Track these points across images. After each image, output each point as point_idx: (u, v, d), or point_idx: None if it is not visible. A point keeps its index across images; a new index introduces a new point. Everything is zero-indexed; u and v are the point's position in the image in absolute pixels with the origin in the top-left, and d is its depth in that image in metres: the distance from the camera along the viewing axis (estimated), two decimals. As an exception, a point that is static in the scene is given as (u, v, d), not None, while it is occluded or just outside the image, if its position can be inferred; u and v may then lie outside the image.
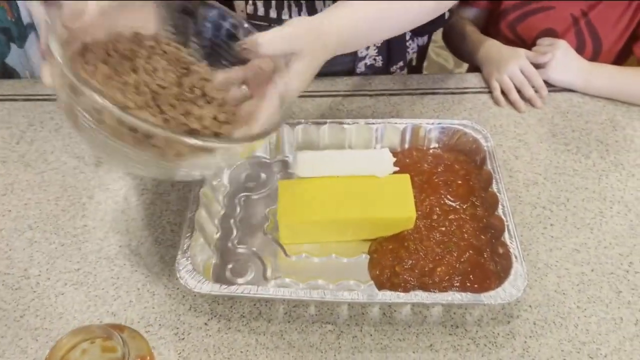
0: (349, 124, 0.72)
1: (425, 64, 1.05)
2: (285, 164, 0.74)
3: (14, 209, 0.70)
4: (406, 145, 0.74)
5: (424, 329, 0.57)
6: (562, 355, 0.55)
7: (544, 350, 0.55)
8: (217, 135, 0.49)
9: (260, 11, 0.83)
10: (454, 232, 0.63)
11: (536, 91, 0.84)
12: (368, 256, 0.63)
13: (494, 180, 0.66)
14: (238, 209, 0.68)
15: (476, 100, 0.85)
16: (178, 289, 0.61)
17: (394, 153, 0.70)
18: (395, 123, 0.72)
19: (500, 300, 0.54)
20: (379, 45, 0.88)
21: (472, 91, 0.86)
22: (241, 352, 0.56)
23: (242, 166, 0.74)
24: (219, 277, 0.61)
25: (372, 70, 0.92)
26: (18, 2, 0.81)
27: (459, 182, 0.68)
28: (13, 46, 0.87)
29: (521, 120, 0.81)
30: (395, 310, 0.59)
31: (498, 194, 0.64)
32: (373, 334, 0.57)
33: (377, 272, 0.61)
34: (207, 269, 0.61)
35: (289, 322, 0.58)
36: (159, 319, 0.59)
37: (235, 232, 0.66)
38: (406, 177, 0.65)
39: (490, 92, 0.86)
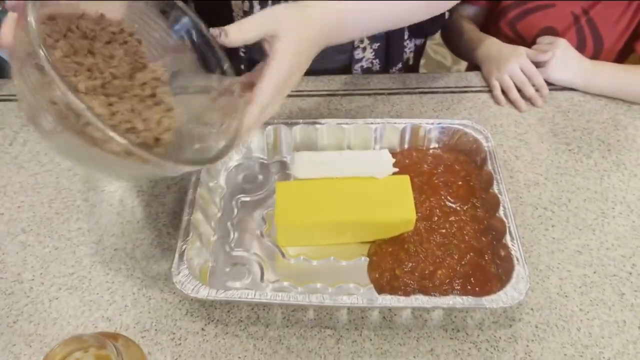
0: (347, 124, 0.71)
1: (422, 61, 1.04)
2: (282, 165, 0.73)
3: (6, 212, 0.69)
4: (406, 146, 0.73)
5: (424, 333, 0.56)
6: (565, 360, 0.54)
7: (547, 355, 0.55)
8: (157, 140, 0.48)
9: (257, 9, 0.82)
10: (455, 234, 0.62)
11: (537, 90, 0.83)
12: (367, 259, 0.62)
13: (494, 181, 0.65)
14: (235, 211, 0.67)
15: (476, 99, 0.84)
16: (174, 293, 0.60)
17: (393, 153, 0.69)
18: (395, 123, 0.71)
19: (502, 304, 0.53)
20: (376, 48, 0.87)
21: (472, 90, 0.85)
22: (239, 357, 0.55)
23: (239, 167, 0.73)
24: (216, 281, 0.60)
25: (369, 73, 0.91)
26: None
27: (459, 183, 0.67)
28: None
29: (522, 119, 0.80)
30: (395, 314, 0.58)
31: (499, 195, 0.63)
32: (373, 338, 0.56)
33: (377, 275, 0.60)
34: (203, 273, 0.60)
35: (287, 326, 0.57)
36: (155, 324, 0.58)
37: (232, 234, 0.65)
38: (406, 178, 0.64)
39: (490, 91, 0.85)
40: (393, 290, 0.58)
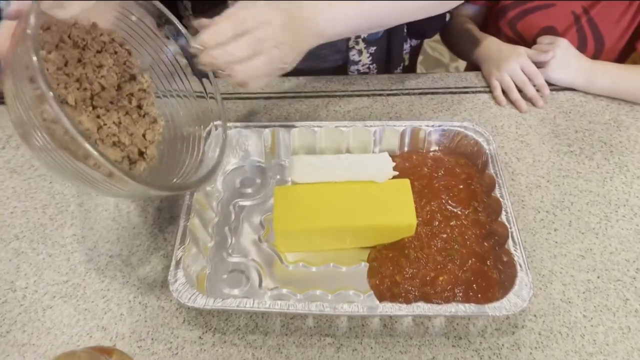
0: (346, 126, 0.69)
1: (420, 58, 1.03)
2: (281, 168, 0.72)
3: (-1, 218, 0.67)
4: (405, 148, 0.71)
5: (426, 340, 0.55)
6: (569, 367, 0.54)
7: (550, 362, 0.54)
8: (141, 153, 0.48)
9: None
10: (456, 239, 0.61)
11: (537, 90, 0.82)
12: (367, 264, 0.61)
13: (496, 185, 0.64)
14: (233, 216, 0.66)
15: (476, 99, 0.83)
16: (171, 300, 0.59)
17: (393, 156, 0.68)
18: (394, 125, 0.70)
19: (505, 311, 0.52)
20: (372, 52, 0.86)
21: (471, 91, 0.84)
22: (237, 367, 0.54)
23: (237, 171, 0.71)
24: (214, 289, 0.59)
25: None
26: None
27: (460, 186, 0.66)
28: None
29: (522, 120, 0.79)
30: (396, 322, 0.57)
31: (501, 199, 0.62)
32: (374, 346, 0.55)
33: (377, 282, 0.59)
34: (201, 280, 0.59)
35: (286, 335, 0.56)
36: (152, 333, 0.57)
37: (229, 240, 0.64)
38: (406, 182, 0.63)
39: (490, 92, 0.83)
40: (394, 297, 0.57)
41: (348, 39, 0.84)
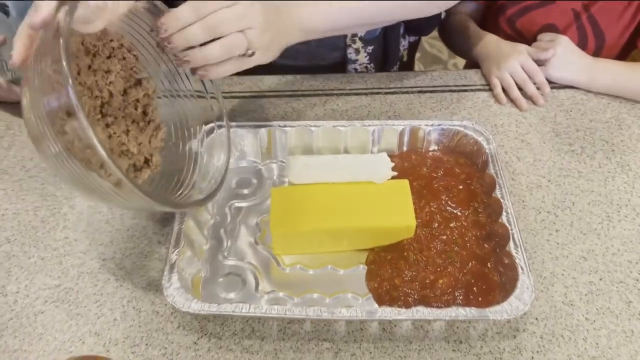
0: (344, 126, 0.68)
1: (418, 54, 1.02)
2: (277, 169, 0.70)
3: (-10, 220, 0.66)
4: (404, 148, 0.70)
5: (425, 344, 0.54)
6: (572, 372, 0.53)
7: (553, 367, 0.53)
8: (147, 161, 0.48)
9: None
10: (456, 241, 0.60)
11: (538, 88, 0.81)
12: (365, 267, 0.60)
13: (497, 185, 0.62)
14: (228, 218, 0.65)
15: (475, 98, 0.81)
16: (166, 305, 0.58)
17: (392, 156, 0.67)
18: (393, 125, 0.68)
19: (507, 315, 0.51)
20: (370, 52, 0.84)
21: (471, 89, 0.83)
22: (233, 373, 0.53)
23: (233, 172, 0.70)
24: (209, 292, 0.58)
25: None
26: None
27: (460, 187, 0.65)
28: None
29: (523, 119, 0.78)
30: (395, 325, 0.56)
31: (501, 200, 0.61)
32: (372, 351, 0.54)
33: (376, 285, 0.58)
34: (196, 284, 0.58)
35: (283, 339, 0.55)
36: (146, 338, 0.55)
37: (225, 242, 0.62)
38: (405, 183, 0.62)
39: (490, 90, 0.82)
40: (393, 301, 0.56)
41: (345, 36, 0.82)
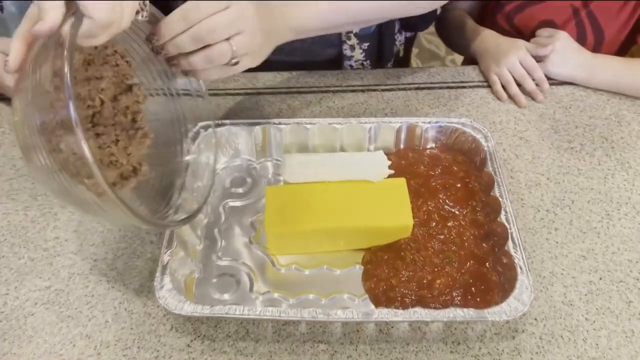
0: (340, 123, 0.67)
1: (416, 51, 1.01)
2: (272, 167, 0.69)
3: (-21, 221, 0.65)
4: (401, 145, 0.69)
5: (423, 346, 0.53)
6: (571, 373, 0.52)
7: (552, 368, 0.52)
8: (134, 170, 0.47)
9: None
10: (454, 240, 0.59)
11: (536, 84, 0.79)
12: (362, 267, 0.59)
13: (495, 184, 0.61)
14: (222, 218, 0.64)
15: (474, 94, 0.80)
16: (158, 306, 0.57)
17: (388, 154, 0.66)
18: (390, 122, 0.67)
19: (506, 316, 0.51)
20: (365, 48, 0.83)
21: (469, 85, 0.82)
22: (227, 376, 0.52)
23: (227, 170, 0.69)
24: (203, 293, 0.57)
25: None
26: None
27: (458, 185, 0.64)
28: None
29: (521, 116, 0.77)
30: (392, 327, 0.55)
31: (500, 198, 0.60)
32: (369, 353, 0.53)
33: (372, 285, 0.57)
34: (189, 285, 0.57)
35: (278, 341, 0.54)
36: (138, 340, 0.54)
37: (219, 242, 0.61)
38: (402, 182, 0.61)
39: (488, 86, 0.81)
40: (389, 301, 0.55)
41: (340, 33, 0.81)
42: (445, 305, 0.54)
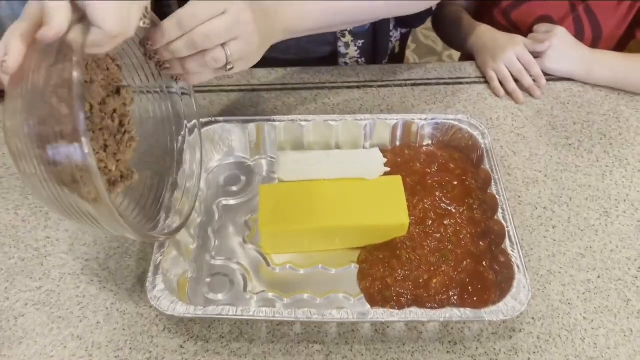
0: (335, 120, 0.66)
1: (413, 46, 1.00)
2: (267, 165, 0.68)
3: (-31, 220, 0.64)
4: (397, 143, 0.68)
5: (419, 346, 0.53)
6: (569, 373, 0.51)
7: (550, 368, 0.51)
8: (123, 177, 0.47)
9: None
10: (450, 238, 0.58)
11: (534, 80, 0.79)
12: (357, 266, 0.58)
13: (492, 181, 0.61)
14: (216, 216, 0.63)
15: (471, 90, 0.79)
16: (151, 307, 0.56)
17: (384, 151, 0.66)
18: (386, 119, 0.66)
19: (503, 316, 0.50)
20: (360, 45, 0.83)
21: (466, 81, 0.81)
22: (220, 377, 0.51)
23: (220, 168, 0.68)
24: (196, 294, 0.56)
25: None
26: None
27: (455, 182, 0.63)
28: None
29: (519, 112, 0.76)
30: (388, 327, 0.54)
31: (497, 196, 0.59)
32: (365, 353, 0.52)
33: (368, 284, 0.56)
34: (182, 285, 0.56)
35: (272, 342, 0.53)
36: (130, 341, 0.53)
37: (213, 242, 0.60)
38: (398, 179, 0.60)
39: (485, 83, 0.80)
40: (385, 301, 0.54)
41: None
42: (441, 304, 0.54)
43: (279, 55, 0.82)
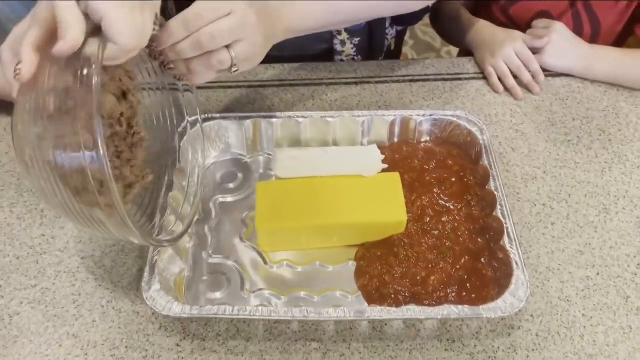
0: (332, 116, 0.66)
1: (412, 42, 0.99)
2: (263, 162, 0.68)
3: (-36, 218, 0.63)
4: (395, 139, 0.68)
5: (417, 344, 0.52)
6: (568, 371, 0.51)
7: (548, 365, 0.51)
8: (137, 179, 0.47)
9: None
10: (449, 235, 0.58)
11: (532, 76, 0.78)
12: (355, 263, 0.58)
13: (491, 178, 0.60)
14: (213, 214, 0.62)
15: (469, 87, 0.79)
16: (147, 305, 0.55)
17: (382, 148, 0.65)
18: (383, 115, 0.66)
19: (501, 313, 0.50)
20: (356, 43, 0.82)
21: (464, 77, 0.80)
22: (217, 376, 0.51)
23: (217, 165, 0.67)
24: (193, 292, 0.56)
25: None
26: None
27: (453, 179, 0.63)
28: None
29: (518, 108, 0.75)
30: (386, 324, 0.54)
31: (496, 193, 0.59)
32: (362, 351, 0.52)
33: (365, 282, 0.56)
34: (179, 284, 0.55)
35: (269, 340, 0.53)
36: (126, 340, 0.53)
37: (209, 240, 0.60)
38: (396, 176, 0.60)
39: (484, 79, 0.80)
40: (383, 299, 0.54)
41: None
42: (439, 302, 0.53)
43: (274, 53, 0.81)
